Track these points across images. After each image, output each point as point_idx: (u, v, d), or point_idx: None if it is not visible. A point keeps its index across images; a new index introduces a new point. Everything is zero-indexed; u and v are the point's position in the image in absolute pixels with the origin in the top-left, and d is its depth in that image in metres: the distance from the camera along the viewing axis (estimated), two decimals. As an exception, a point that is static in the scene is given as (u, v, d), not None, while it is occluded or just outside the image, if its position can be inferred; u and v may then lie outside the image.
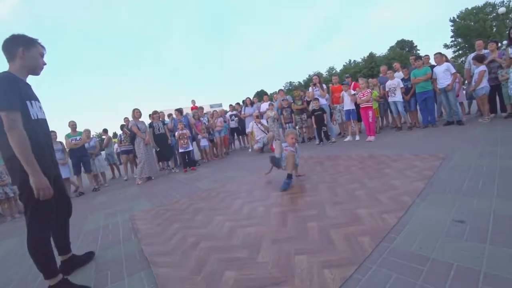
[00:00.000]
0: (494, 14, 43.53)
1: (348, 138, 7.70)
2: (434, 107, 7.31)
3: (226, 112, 11.44)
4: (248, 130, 9.25)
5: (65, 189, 2.42)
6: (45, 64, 2.17)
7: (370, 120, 6.96)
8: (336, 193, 3.19)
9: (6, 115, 1.75)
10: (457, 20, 47.83)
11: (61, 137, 7.37)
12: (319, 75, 8.57)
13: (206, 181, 5.50)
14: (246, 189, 4.17)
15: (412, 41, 58.90)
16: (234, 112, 10.78)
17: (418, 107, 7.52)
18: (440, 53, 7.00)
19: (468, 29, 45.24)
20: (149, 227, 3.27)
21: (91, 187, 7.76)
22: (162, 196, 4.93)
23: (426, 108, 7.16)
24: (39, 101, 2.14)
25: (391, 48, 57.57)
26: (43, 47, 2.15)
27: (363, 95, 7.08)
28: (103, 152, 9.77)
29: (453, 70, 6.70)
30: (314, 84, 8.38)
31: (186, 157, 7.84)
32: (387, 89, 7.66)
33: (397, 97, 7.41)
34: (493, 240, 1.71)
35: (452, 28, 48.60)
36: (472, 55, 6.87)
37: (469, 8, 47.01)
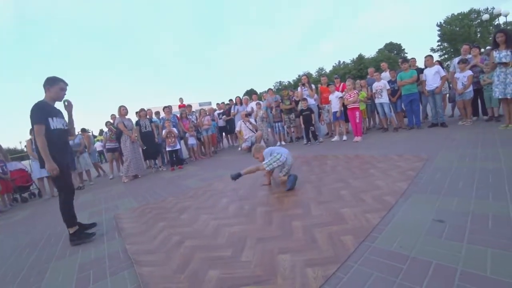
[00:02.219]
0: (479, 21, 44.77)
1: (336, 138, 7.78)
2: (419, 109, 7.45)
3: (214, 110, 11.38)
4: (236, 129, 9.23)
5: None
6: (64, 95, 3.17)
7: (357, 120, 7.05)
8: (321, 192, 3.23)
9: (36, 127, 2.85)
10: (444, 25, 48.95)
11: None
12: (308, 75, 8.59)
13: (193, 180, 5.47)
14: (233, 188, 4.18)
15: (400, 44, 59.98)
16: (222, 111, 10.75)
17: (404, 109, 7.67)
18: (431, 56, 7.12)
19: (454, 34, 46.39)
20: (133, 226, 3.24)
21: (76, 185, 7.61)
22: (148, 194, 4.89)
23: (412, 110, 7.30)
24: (61, 118, 3.17)
25: (380, 51, 58.45)
26: (65, 83, 3.15)
27: (350, 96, 7.17)
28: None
29: (443, 73, 6.83)
30: (303, 84, 8.41)
31: (174, 156, 7.78)
32: (373, 91, 7.78)
33: (384, 98, 7.53)
34: (470, 239, 1.77)
35: (439, 32, 49.71)
36: (457, 59, 7.04)
37: (455, 14, 48.18)
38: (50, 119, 2.97)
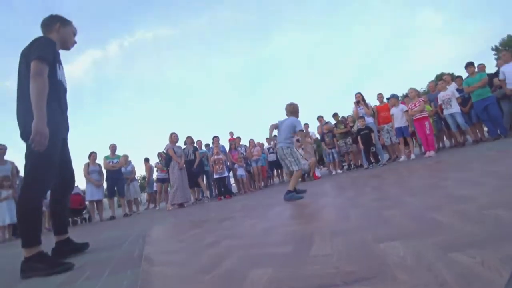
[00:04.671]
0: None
1: (403, 158, 6.63)
2: (500, 114, 6.04)
3: (263, 145, 10.79)
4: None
5: (70, 161, 2.26)
6: (75, 42, 2.33)
7: (427, 131, 5.94)
8: (411, 188, 2.32)
9: (36, 63, 1.80)
10: (500, 47, 45.22)
11: (100, 159, 7.32)
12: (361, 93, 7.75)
13: (243, 203, 4.72)
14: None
15: (453, 73, 56.21)
16: (272, 145, 10.11)
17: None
18: (507, 50, 6.05)
19: (513, 55, 42.33)
20: (163, 233, 2.67)
21: (123, 213, 7.38)
22: (191, 215, 4.22)
23: (489, 117, 6.00)
24: (64, 73, 2.19)
25: (431, 82, 55.22)
26: (75, 29, 2.32)
27: (415, 105, 6.18)
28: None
29: (530, 66, 5.68)
30: (358, 102, 7.58)
31: (221, 185, 7.23)
32: (440, 102, 6.67)
33: (454, 108, 6.34)
34: None
35: (495, 57, 45.90)
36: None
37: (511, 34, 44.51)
38: (57, 66, 2.05)
